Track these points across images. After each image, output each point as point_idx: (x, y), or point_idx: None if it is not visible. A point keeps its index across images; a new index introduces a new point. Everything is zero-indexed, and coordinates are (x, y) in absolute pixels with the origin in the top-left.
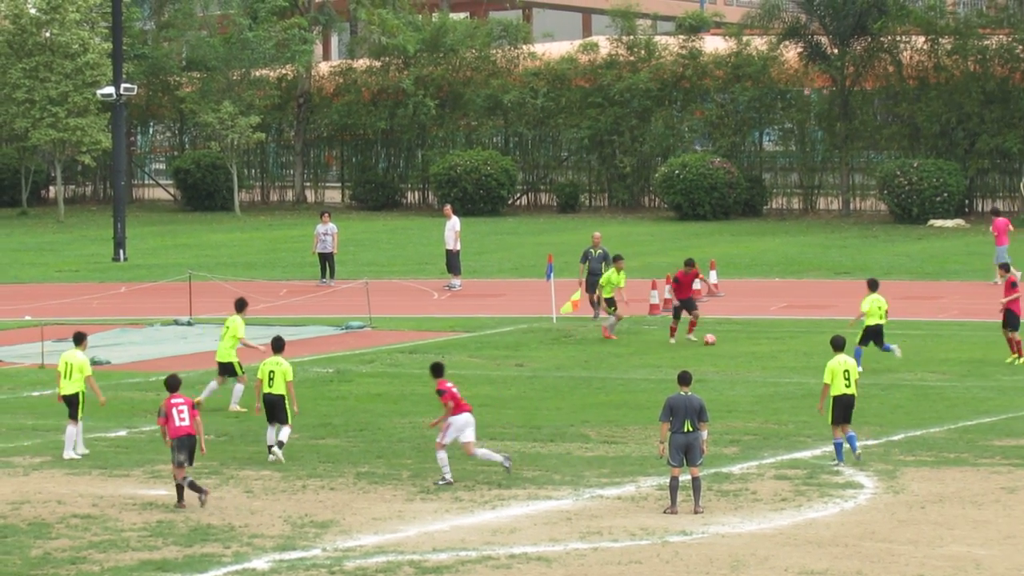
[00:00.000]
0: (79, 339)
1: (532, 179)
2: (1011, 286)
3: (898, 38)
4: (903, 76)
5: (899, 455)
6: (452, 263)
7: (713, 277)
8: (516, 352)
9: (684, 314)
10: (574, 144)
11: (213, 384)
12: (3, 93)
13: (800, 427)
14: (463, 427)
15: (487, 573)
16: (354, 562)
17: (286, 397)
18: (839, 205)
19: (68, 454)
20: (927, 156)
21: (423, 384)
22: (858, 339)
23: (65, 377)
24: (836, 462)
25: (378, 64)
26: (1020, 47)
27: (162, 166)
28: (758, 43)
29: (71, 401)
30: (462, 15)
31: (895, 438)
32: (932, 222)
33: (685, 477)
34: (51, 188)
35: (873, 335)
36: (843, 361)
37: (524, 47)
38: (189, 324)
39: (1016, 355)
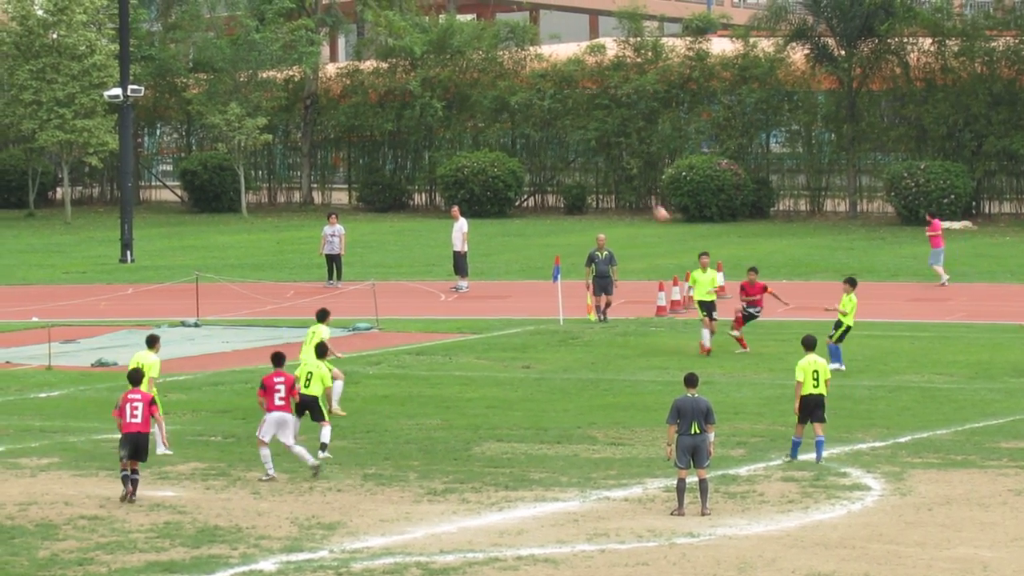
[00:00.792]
0: (152, 342)
1: (539, 181)
2: None
3: (905, 40)
4: (910, 78)
5: (906, 457)
6: (459, 265)
7: (720, 279)
8: (523, 354)
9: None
10: (581, 146)
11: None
12: (10, 95)
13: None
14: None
15: (494, 575)
16: (361, 564)
17: (320, 398)
18: (846, 207)
19: (161, 451)
20: (934, 158)
21: (430, 386)
22: (835, 337)
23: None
24: (789, 459)
25: (385, 66)
26: None
27: (169, 167)
28: (765, 45)
29: None
30: (468, 17)
31: (902, 440)
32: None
33: (692, 479)
34: (58, 190)
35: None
36: (813, 361)
37: (531, 49)
38: (196, 326)
39: None
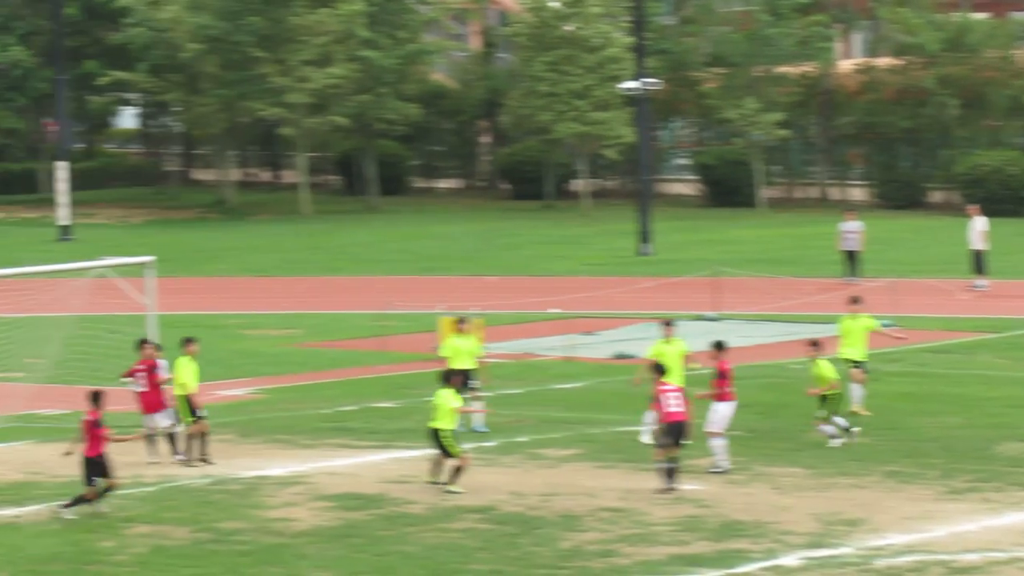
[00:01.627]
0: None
1: None
2: None
3: None
4: None
5: None
6: (978, 263)
7: None
8: None
9: None
10: None
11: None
12: (526, 86)
13: None
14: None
15: (1017, 575)
16: (884, 561)
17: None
18: None
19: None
20: None
21: (950, 384)
22: None
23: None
24: None
25: (900, 63)
26: None
27: (685, 161)
28: None
29: None
30: (983, 15)
31: None
32: None
33: None
34: (575, 182)
35: None
36: None
37: None
38: (715, 320)
39: None
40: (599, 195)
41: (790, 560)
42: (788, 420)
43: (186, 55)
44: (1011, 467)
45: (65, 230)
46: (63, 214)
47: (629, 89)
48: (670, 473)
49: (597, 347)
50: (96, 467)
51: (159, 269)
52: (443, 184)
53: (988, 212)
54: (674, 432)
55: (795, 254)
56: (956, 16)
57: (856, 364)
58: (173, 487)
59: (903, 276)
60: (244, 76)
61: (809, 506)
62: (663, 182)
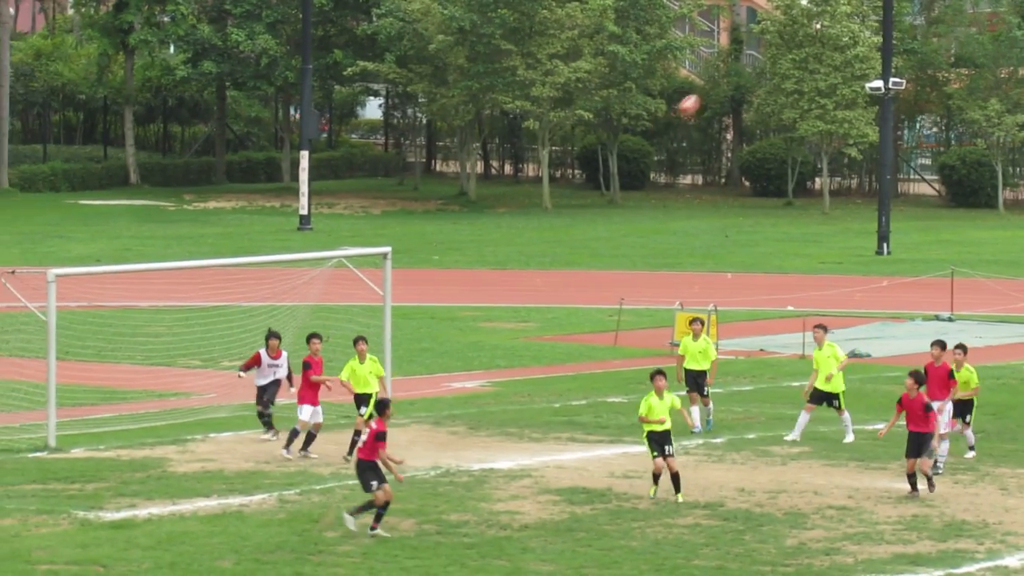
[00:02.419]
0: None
1: None
2: None
3: None
4: None
5: None
6: None
7: None
8: None
9: None
10: None
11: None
12: (772, 83)
13: None
14: None
15: None
16: None
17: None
18: None
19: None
20: None
21: None
22: None
23: None
24: None
25: None
26: None
27: (927, 161)
28: None
29: None
30: None
31: None
32: None
33: None
34: (817, 179)
35: None
36: None
37: None
38: (950, 320)
39: None
40: (839, 194)
41: (1013, 561)
42: (1017, 421)
43: (434, 46)
44: None
45: (305, 219)
46: (304, 203)
47: (875, 88)
48: (911, 482)
49: None
50: (372, 472)
51: (396, 260)
52: (684, 180)
53: None
54: (914, 443)
55: None
56: None
57: None
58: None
59: None
60: (491, 68)
61: None
62: (905, 182)
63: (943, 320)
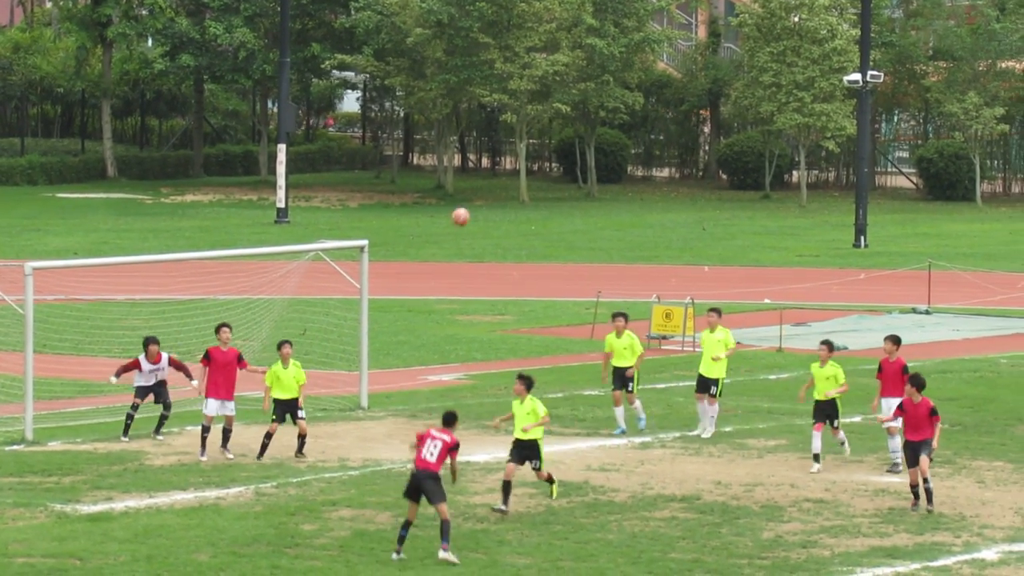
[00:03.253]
0: None
1: None
2: None
3: None
4: None
5: None
6: None
7: None
8: None
9: None
10: None
11: None
12: (750, 76)
13: None
14: None
15: None
16: None
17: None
18: None
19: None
20: None
21: None
22: None
23: None
24: None
25: None
26: None
27: (905, 154)
28: None
29: None
30: None
31: None
32: None
33: None
34: (794, 173)
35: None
36: None
37: None
38: (927, 313)
39: None
40: (817, 187)
41: (989, 554)
42: (994, 414)
43: (412, 39)
44: None
45: (282, 212)
46: (281, 196)
47: (853, 81)
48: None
49: (808, 338)
50: (436, 482)
51: (373, 253)
52: (661, 173)
53: None
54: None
55: (1009, 249)
56: None
57: None
58: (377, 471)
59: None
60: (468, 62)
61: (1011, 500)
62: (882, 175)
63: (920, 313)
